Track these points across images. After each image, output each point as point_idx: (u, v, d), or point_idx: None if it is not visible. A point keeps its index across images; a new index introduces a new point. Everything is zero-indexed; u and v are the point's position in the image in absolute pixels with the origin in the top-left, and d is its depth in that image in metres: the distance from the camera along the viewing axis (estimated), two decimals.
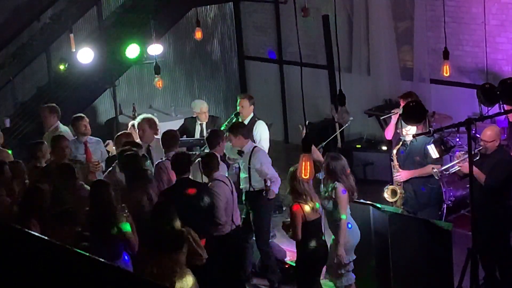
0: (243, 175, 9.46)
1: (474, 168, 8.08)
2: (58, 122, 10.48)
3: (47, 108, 10.54)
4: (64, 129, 10.47)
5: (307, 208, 7.92)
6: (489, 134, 8.47)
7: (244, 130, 9.49)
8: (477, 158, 8.30)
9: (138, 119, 10.04)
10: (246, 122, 10.46)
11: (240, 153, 9.40)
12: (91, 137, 10.19)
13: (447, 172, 8.90)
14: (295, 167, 8.03)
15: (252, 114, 10.53)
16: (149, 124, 9.83)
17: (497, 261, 8.66)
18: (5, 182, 8.46)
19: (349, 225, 8.20)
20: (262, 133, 10.37)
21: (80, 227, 7.67)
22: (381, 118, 10.46)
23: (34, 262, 2.75)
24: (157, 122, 10.01)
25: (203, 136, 10.94)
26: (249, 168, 9.32)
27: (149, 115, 10.19)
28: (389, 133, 10.14)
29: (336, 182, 8.13)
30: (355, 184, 8.33)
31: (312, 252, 8.06)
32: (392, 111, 10.10)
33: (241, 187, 9.42)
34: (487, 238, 8.34)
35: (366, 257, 8.50)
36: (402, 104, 9.99)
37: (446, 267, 7.93)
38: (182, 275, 7.11)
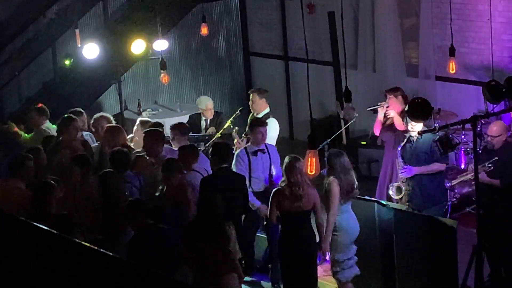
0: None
1: (486, 178, 8.14)
2: (47, 121, 10.51)
3: (36, 111, 10.51)
4: (52, 127, 10.48)
5: (284, 198, 7.98)
6: (495, 129, 8.47)
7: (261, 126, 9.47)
8: (484, 166, 8.33)
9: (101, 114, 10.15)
10: (259, 117, 10.45)
11: (258, 152, 9.32)
12: (85, 132, 10.26)
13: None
14: (290, 157, 8.12)
15: (267, 110, 10.48)
16: (108, 122, 9.93)
17: (505, 259, 8.65)
18: (27, 174, 8.49)
19: (343, 223, 8.23)
20: (271, 131, 10.32)
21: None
22: (367, 109, 10.43)
23: (41, 255, 2.77)
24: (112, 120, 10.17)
25: (208, 132, 11.02)
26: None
27: (107, 114, 10.32)
28: (377, 129, 10.16)
29: (331, 177, 8.16)
30: (356, 181, 8.35)
31: (286, 243, 8.09)
32: (378, 103, 10.11)
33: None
34: (496, 236, 8.36)
35: (371, 253, 8.51)
36: (388, 97, 10.00)
37: (451, 264, 7.93)
38: (222, 269, 7.19)
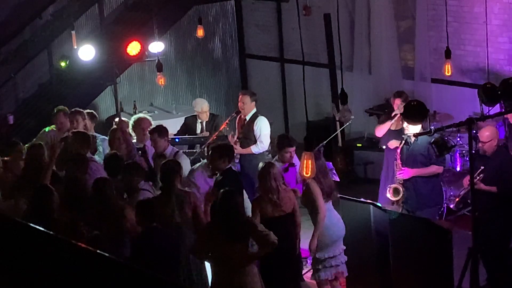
0: None
1: (484, 187, 8.16)
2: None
3: (62, 112, 10.36)
4: None
5: (266, 204, 7.95)
6: (486, 134, 8.49)
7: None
8: (480, 174, 8.35)
9: (142, 115, 10.13)
10: (247, 118, 10.50)
11: (289, 167, 9.14)
12: (98, 134, 10.28)
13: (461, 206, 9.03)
14: (264, 163, 8.12)
15: (254, 111, 10.54)
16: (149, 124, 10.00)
17: (502, 262, 8.67)
18: None
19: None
20: (262, 128, 10.39)
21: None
22: (392, 114, 10.31)
23: (38, 256, 2.78)
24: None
25: (204, 134, 11.03)
26: None
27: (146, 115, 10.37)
28: (381, 131, 10.14)
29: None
30: (333, 184, 8.43)
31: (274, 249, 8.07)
32: (394, 113, 10.07)
33: None
34: (493, 240, 8.38)
35: (367, 255, 8.51)
36: (394, 102, 10.01)
37: (446, 266, 7.93)
38: (244, 269, 7.24)
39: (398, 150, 9.12)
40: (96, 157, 9.74)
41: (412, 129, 8.86)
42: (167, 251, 7.36)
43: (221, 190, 7.49)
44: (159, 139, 9.38)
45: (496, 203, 8.40)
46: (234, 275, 7.24)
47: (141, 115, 10.48)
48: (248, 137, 10.45)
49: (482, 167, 8.44)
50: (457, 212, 10.46)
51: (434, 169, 8.92)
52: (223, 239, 7.19)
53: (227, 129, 11.06)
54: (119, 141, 9.47)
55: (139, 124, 9.99)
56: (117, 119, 10.54)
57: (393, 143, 9.74)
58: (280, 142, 9.16)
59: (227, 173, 8.53)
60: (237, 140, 10.44)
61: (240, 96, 10.63)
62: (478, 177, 8.42)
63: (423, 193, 8.98)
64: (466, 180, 8.81)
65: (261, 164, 8.21)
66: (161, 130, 9.50)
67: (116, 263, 2.75)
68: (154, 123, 12.45)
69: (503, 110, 9.37)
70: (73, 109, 10.32)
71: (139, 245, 7.33)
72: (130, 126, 10.04)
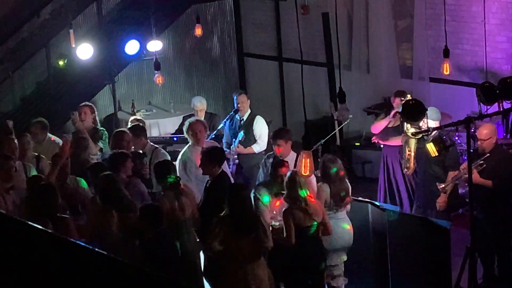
0: None
1: (479, 178, 8.15)
2: (48, 133, 10.28)
3: (39, 124, 10.11)
4: (58, 140, 10.31)
5: (298, 213, 7.81)
6: (485, 132, 8.51)
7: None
8: (478, 164, 8.35)
9: (196, 118, 10.04)
10: (244, 118, 10.52)
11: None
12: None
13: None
14: (292, 172, 8.02)
15: (249, 110, 10.59)
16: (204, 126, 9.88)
17: (499, 259, 8.69)
18: None
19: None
20: (262, 129, 10.44)
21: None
22: (391, 117, 10.29)
23: (37, 254, 2.78)
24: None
25: None
26: None
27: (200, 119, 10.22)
28: (377, 129, 10.19)
29: (320, 183, 8.18)
30: (350, 188, 8.35)
31: (305, 257, 7.94)
32: (394, 111, 10.10)
33: None
34: (491, 237, 8.39)
35: (365, 254, 8.51)
36: (394, 101, 10.03)
37: (444, 265, 7.94)
38: (256, 262, 7.30)
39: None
40: (100, 144, 9.76)
41: (431, 124, 8.86)
42: (177, 253, 7.39)
43: (230, 184, 7.50)
44: (134, 138, 9.35)
45: (492, 201, 8.41)
46: (245, 269, 7.28)
47: (193, 118, 9.94)
48: (248, 137, 10.47)
49: (488, 154, 8.45)
50: (455, 211, 10.48)
51: (452, 176, 8.89)
52: (233, 232, 7.22)
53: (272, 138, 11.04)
54: (128, 144, 9.38)
55: (193, 127, 9.50)
56: (132, 118, 10.52)
57: (394, 140, 9.75)
58: (275, 134, 9.08)
59: (218, 178, 8.41)
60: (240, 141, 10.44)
61: (237, 97, 10.62)
62: (479, 163, 8.43)
63: (433, 191, 8.98)
64: (463, 165, 8.81)
65: (288, 174, 8.03)
66: (135, 130, 9.47)
67: (117, 263, 2.75)
68: (152, 122, 12.51)
69: (501, 109, 9.38)
70: (82, 103, 10.26)
71: (150, 250, 7.28)
72: (185, 129, 9.71)
